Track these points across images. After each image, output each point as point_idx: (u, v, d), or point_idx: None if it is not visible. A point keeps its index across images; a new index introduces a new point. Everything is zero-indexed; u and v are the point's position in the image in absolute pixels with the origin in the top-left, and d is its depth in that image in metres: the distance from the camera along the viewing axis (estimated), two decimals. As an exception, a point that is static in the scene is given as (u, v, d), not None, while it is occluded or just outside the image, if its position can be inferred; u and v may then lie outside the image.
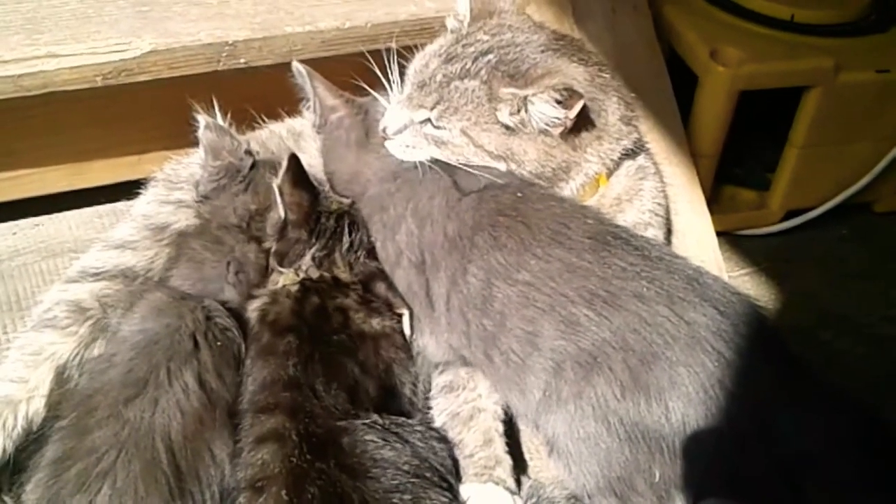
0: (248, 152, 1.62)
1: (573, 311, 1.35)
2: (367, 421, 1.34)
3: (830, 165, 2.08)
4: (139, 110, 1.83)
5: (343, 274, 1.53)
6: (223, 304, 1.46)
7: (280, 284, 1.49)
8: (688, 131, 1.93)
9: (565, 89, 1.45)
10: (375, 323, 1.49)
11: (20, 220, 1.94)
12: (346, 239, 1.54)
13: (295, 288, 1.48)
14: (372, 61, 1.63)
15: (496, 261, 1.42)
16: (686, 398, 1.29)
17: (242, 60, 1.76)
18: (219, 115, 1.63)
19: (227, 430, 1.34)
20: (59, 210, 1.95)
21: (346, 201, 1.61)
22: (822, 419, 1.33)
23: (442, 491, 1.34)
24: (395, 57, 1.61)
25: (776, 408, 1.31)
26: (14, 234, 1.92)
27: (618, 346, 1.32)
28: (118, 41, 1.68)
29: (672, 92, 1.91)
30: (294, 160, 1.51)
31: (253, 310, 1.47)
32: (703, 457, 1.29)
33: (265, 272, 1.52)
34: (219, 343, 1.39)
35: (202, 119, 1.60)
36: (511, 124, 1.51)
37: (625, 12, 1.88)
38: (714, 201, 2.04)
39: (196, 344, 1.37)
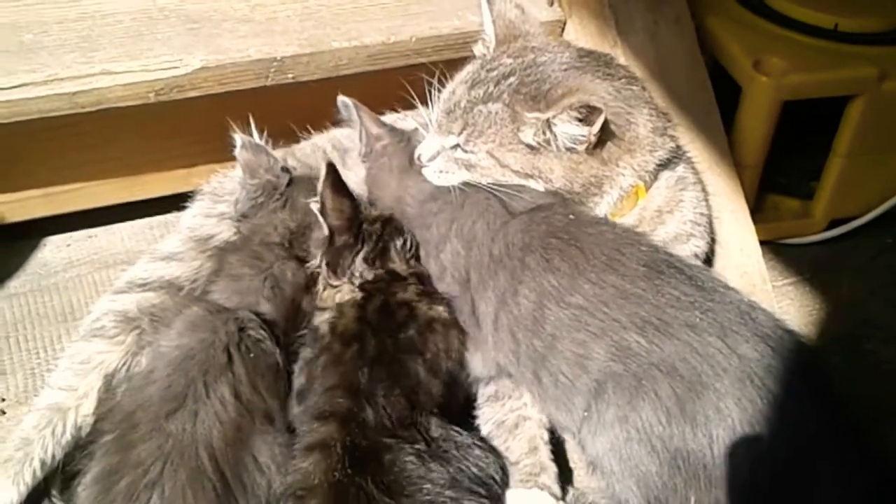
0: (285, 169, 1.66)
1: (625, 337, 1.36)
2: (413, 446, 1.36)
3: (875, 174, 2.07)
4: (189, 125, 1.87)
5: (400, 266, 1.56)
6: (258, 315, 1.48)
7: (344, 298, 1.52)
8: (731, 141, 1.93)
9: (583, 107, 1.46)
10: (442, 310, 1.52)
11: (74, 231, 1.99)
12: (398, 239, 1.57)
13: (358, 296, 1.51)
14: (411, 91, 1.67)
15: (549, 283, 1.43)
16: (731, 430, 1.30)
17: (290, 76, 1.79)
18: (255, 132, 1.66)
19: (270, 436, 1.37)
20: (113, 222, 2.00)
21: (388, 212, 1.64)
22: (858, 471, 1.35)
23: (478, 498, 1.36)
24: (438, 75, 1.65)
25: (816, 452, 1.32)
26: (68, 245, 1.97)
27: (666, 373, 1.33)
28: (170, 58, 1.72)
29: (715, 102, 1.91)
30: (332, 168, 1.53)
31: (323, 321, 1.50)
32: (739, 489, 1.30)
33: (302, 290, 1.54)
34: (252, 354, 1.42)
35: (238, 138, 1.64)
36: (535, 144, 1.53)
37: (667, 24, 1.89)
38: (758, 210, 2.04)
39: (230, 357, 1.40)
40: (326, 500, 1.27)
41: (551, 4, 1.98)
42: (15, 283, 1.88)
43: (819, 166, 2.08)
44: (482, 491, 1.38)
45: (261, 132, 1.70)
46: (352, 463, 1.31)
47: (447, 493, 1.32)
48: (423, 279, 1.56)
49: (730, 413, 1.30)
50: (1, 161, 1.79)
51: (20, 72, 1.64)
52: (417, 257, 1.60)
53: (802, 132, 2.08)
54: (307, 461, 1.32)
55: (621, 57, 1.80)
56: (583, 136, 1.50)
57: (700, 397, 1.32)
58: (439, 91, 1.65)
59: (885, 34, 2.08)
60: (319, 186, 1.52)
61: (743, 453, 1.30)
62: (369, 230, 1.56)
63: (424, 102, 1.67)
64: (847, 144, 2.00)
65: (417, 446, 1.36)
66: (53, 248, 1.97)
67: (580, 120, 1.48)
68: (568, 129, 1.49)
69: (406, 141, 1.71)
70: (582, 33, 1.91)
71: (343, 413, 1.37)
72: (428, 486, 1.32)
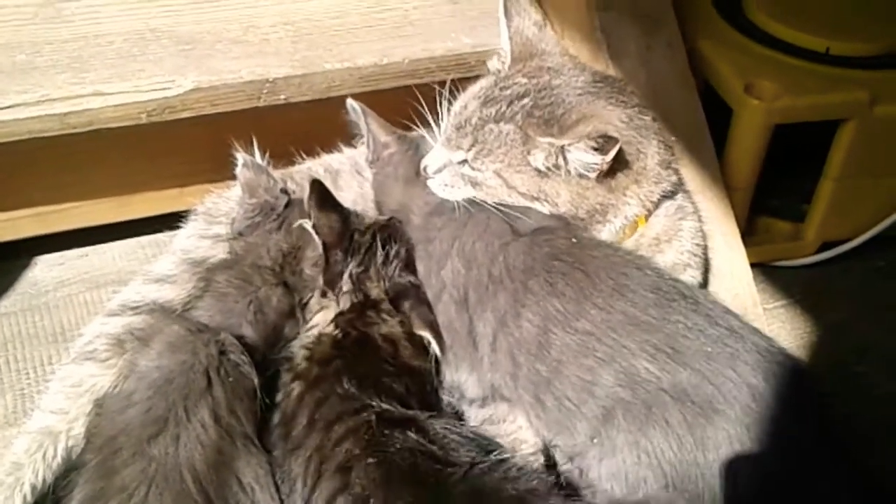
0: (284, 191, 1.66)
1: (633, 364, 1.35)
2: (432, 413, 1.39)
3: (866, 197, 2.07)
4: (181, 145, 1.87)
5: (375, 289, 1.55)
6: (239, 338, 1.47)
7: (322, 328, 1.52)
8: (722, 164, 1.93)
9: (600, 137, 1.46)
10: (419, 363, 1.52)
11: (66, 251, 1.99)
12: (380, 252, 1.56)
13: (331, 328, 1.51)
14: (420, 97, 1.67)
15: (553, 308, 1.42)
16: (742, 457, 1.31)
17: (282, 97, 1.80)
18: (257, 153, 1.66)
19: (253, 458, 1.37)
20: (104, 241, 2.00)
21: (383, 218, 1.64)
22: (856, 495, 1.36)
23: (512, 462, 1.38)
24: (445, 93, 1.64)
25: (820, 476, 1.33)
26: (61, 264, 1.97)
27: (676, 399, 1.33)
28: (162, 79, 1.72)
29: (706, 126, 1.91)
30: (316, 184, 1.54)
31: (300, 348, 1.50)
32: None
33: (285, 316, 1.54)
34: (231, 379, 1.41)
35: (240, 157, 1.64)
36: (543, 169, 1.53)
37: (659, 48, 1.89)
38: (749, 233, 2.05)
39: (209, 381, 1.39)
40: (372, 456, 1.29)
41: (543, 27, 1.98)
42: (5, 303, 1.88)
43: (811, 189, 2.08)
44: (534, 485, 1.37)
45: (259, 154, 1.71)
46: (387, 426, 1.33)
47: (485, 455, 1.35)
48: (397, 300, 1.55)
49: (739, 438, 1.31)
50: (-8, 181, 1.79)
51: (11, 92, 1.64)
52: (407, 266, 1.59)
53: (795, 154, 2.08)
54: (346, 443, 1.33)
55: (613, 79, 1.80)
56: (596, 164, 1.50)
57: (711, 423, 1.32)
58: (450, 103, 1.64)
59: (877, 58, 2.08)
60: (305, 205, 1.53)
61: (749, 477, 1.31)
62: (359, 241, 1.57)
63: (421, 122, 1.68)
64: (838, 168, 2.00)
65: (443, 420, 1.39)
66: (45, 268, 1.97)
67: (595, 149, 1.47)
68: (582, 157, 1.49)
69: (414, 149, 1.70)
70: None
71: (353, 409, 1.38)
72: (466, 445, 1.35)
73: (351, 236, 1.56)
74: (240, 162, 1.66)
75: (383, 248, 1.57)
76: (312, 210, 1.52)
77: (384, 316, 1.53)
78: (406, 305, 1.54)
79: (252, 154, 1.68)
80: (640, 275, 1.44)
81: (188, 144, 1.87)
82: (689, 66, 1.94)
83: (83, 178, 1.88)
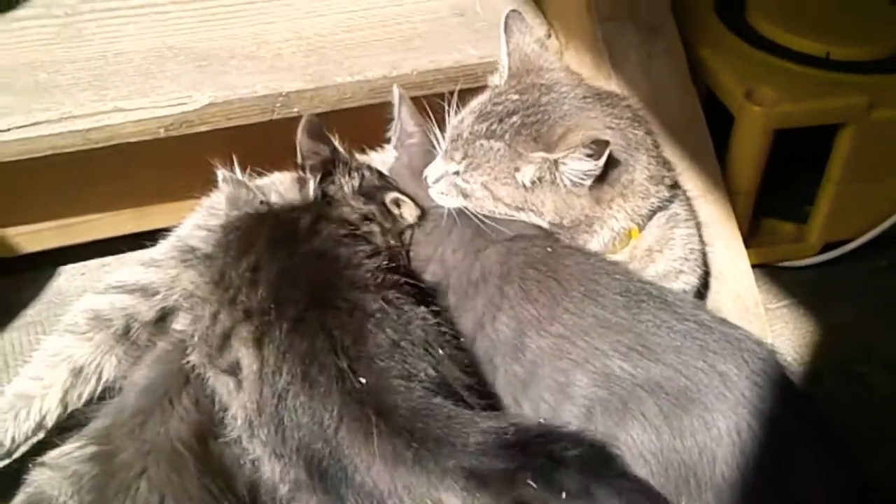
0: (264, 202, 1.71)
1: (607, 363, 1.41)
2: None
3: (867, 199, 2.10)
4: (199, 157, 1.89)
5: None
6: None
7: None
8: (724, 169, 1.97)
9: (593, 143, 1.50)
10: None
11: (89, 260, 2.05)
12: (359, 177, 1.64)
13: None
14: (428, 108, 1.72)
15: (528, 313, 1.48)
16: (717, 440, 1.36)
17: (295, 110, 1.85)
18: (237, 168, 1.68)
19: None
20: (125, 251, 2.03)
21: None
22: (837, 472, 1.40)
23: None
24: (453, 104, 1.70)
25: (797, 457, 1.38)
26: (83, 274, 2.03)
27: (651, 392, 1.38)
28: (179, 95, 1.78)
29: (707, 132, 1.95)
30: (310, 118, 1.65)
31: None
32: (730, 491, 1.37)
33: None
34: None
35: (220, 173, 1.67)
36: (528, 185, 1.58)
37: (660, 56, 1.94)
38: (753, 234, 2.09)
39: (187, 379, 1.47)
40: None
41: (549, 37, 2.03)
42: (31, 312, 1.93)
43: (813, 191, 2.11)
44: None
45: (267, 164, 1.75)
46: None
47: None
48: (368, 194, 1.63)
49: (715, 423, 1.37)
50: (17, 194, 1.85)
51: (35, 110, 1.70)
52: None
53: (798, 156, 2.11)
54: None
55: (615, 90, 1.84)
56: (591, 170, 1.54)
57: (686, 413, 1.38)
58: (457, 113, 1.70)
59: (876, 63, 2.11)
60: (298, 135, 1.63)
61: (730, 459, 1.37)
62: (344, 170, 1.64)
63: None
64: (839, 172, 2.03)
65: None
66: (68, 277, 2.02)
67: (590, 155, 1.51)
68: (578, 165, 1.53)
69: (432, 146, 1.74)
70: (578, 66, 1.95)
71: None
72: None
73: (336, 165, 1.64)
74: (219, 177, 1.71)
75: (364, 176, 1.65)
76: (303, 139, 1.63)
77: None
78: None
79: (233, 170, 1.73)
80: (608, 280, 1.51)
81: (205, 157, 1.90)
82: (691, 72, 1.98)
83: (104, 192, 1.94)
